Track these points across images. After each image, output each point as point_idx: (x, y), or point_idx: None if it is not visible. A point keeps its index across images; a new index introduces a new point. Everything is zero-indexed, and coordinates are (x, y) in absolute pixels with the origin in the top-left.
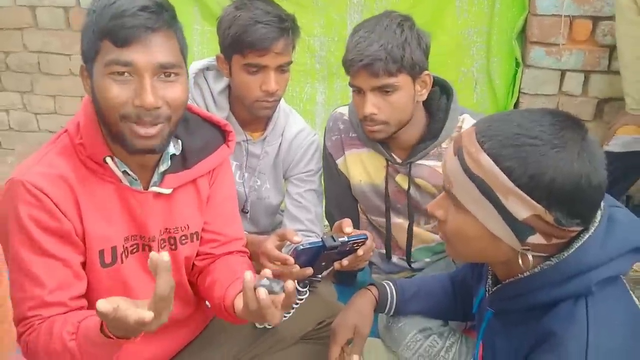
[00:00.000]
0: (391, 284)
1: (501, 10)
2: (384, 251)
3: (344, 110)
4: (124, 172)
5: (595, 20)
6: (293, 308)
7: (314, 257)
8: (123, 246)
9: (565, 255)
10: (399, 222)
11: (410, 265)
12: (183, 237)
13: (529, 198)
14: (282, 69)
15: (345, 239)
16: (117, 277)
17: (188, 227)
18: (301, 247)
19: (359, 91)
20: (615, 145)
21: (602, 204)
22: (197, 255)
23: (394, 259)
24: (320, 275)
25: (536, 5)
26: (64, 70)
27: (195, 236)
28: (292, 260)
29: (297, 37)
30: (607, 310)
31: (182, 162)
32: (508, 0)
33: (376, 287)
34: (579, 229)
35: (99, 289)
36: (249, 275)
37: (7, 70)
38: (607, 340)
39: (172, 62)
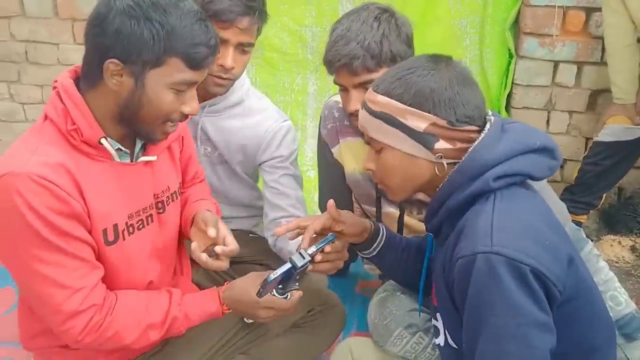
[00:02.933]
0: (384, 228)
1: (494, 1)
2: None
3: (339, 98)
4: (117, 149)
5: (589, 11)
6: None
7: (288, 278)
8: (126, 223)
9: (463, 158)
10: (391, 211)
11: None
12: (167, 198)
13: (420, 111)
14: (242, 48)
15: (314, 248)
16: (120, 255)
17: (169, 189)
18: (272, 277)
19: (343, 88)
20: (605, 135)
21: (491, 113)
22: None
23: None
24: (297, 284)
25: None
26: (52, 60)
27: (175, 195)
28: (208, 261)
29: (263, 22)
30: (512, 202)
31: None
32: None
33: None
34: (473, 128)
35: (103, 267)
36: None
37: None
38: (509, 221)
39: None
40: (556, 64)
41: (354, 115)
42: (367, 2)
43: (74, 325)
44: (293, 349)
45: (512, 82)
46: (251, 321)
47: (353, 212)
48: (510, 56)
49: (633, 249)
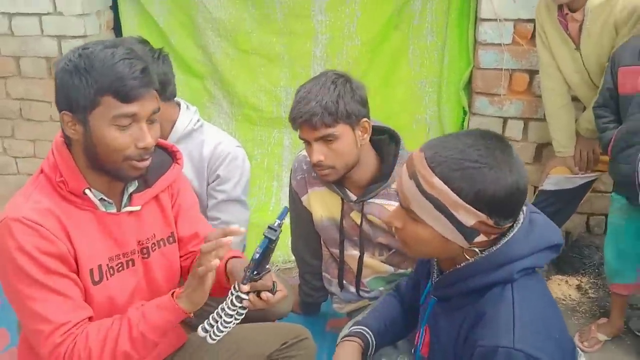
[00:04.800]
0: (366, 330)
1: (450, 64)
2: (347, 282)
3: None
4: (100, 199)
5: (532, 73)
6: (237, 320)
7: (268, 254)
8: (107, 265)
9: (494, 249)
10: (354, 253)
11: (358, 293)
12: (153, 245)
13: (474, 210)
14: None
15: (278, 220)
16: (105, 294)
17: (155, 236)
18: (256, 255)
19: (306, 143)
20: (549, 184)
21: (524, 207)
22: (182, 256)
23: (351, 288)
24: (268, 266)
25: (479, 60)
26: (45, 116)
27: (162, 242)
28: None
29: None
30: (528, 293)
31: (144, 182)
32: (455, 55)
33: (357, 337)
34: (511, 225)
35: (90, 306)
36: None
37: None
38: (529, 314)
39: (157, 108)
40: (505, 120)
41: (316, 165)
42: (327, 70)
43: (57, 354)
44: None
45: None
46: (215, 339)
47: (322, 254)
48: (465, 113)
49: (579, 287)
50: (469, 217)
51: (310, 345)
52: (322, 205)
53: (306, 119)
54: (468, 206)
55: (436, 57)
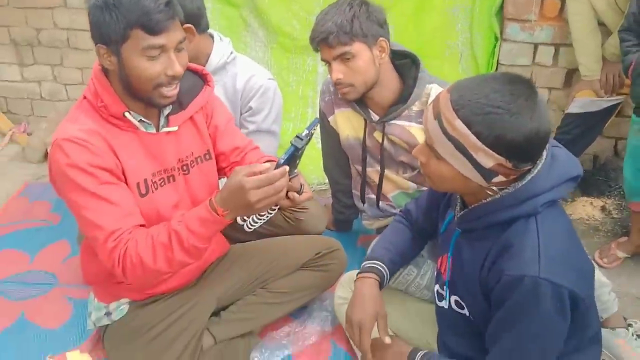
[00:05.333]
0: (380, 264)
1: None
2: (373, 196)
3: None
4: (140, 121)
5: None
6: (269, 215)
7: (293, 160)
8: (151, 180)
9: (519, 184)
10: (374, 169)
11: (378, 206)
12: (192, 162)
13: (493, 153)
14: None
15: (306, 130)
16: (151, 206)
17: (193, 154)
18: (282, 160)
19: (327, 63)
20: (575, 107)
21: (547, 145)
22: (225, 167)
23: (381, 204)
24: (295, 171)
25: None
26: (90, 46)
27: (199, 159)
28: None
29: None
30: (551, 225)
31: (179, 105)
32: None
33: (371, 272)
34: (530, 167)
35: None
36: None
37: (39, 45)
38: (553, 245)
39: (183, 37)
40: (536, 46)
41: (337, 84)
42: None
43: (113, 258)
44: (303, 284)
45: (498, 63)
46: (251, 228)
47: (350, 172)
48: (496, 39)
49: (603, 208)
50: (488, 159)
51: (341, 256)
52: (348, 124)
53: (323, 38)
54: (487, 149)
55: None
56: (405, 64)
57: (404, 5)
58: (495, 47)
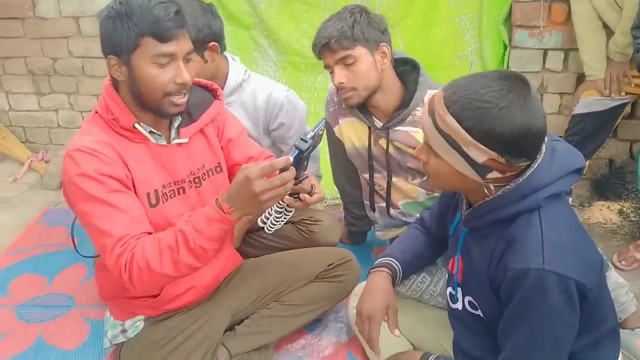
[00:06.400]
0: (393, 260)
1: None
2: (383, 204)
3: None
4: (150, 132)
5: (570, 3)
6: (286, 216)
7: (300, 162)
8: (161, 191)
9: (520, 180)
10: (381, 176)
11: (388, 214)
12: (203, 175)
13: (484, 147)
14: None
15: (311, 132)
16: (161, 216)
17: (204, 166)
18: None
19: (329, 70)
20: (580, 107)
21: (546, 139)
22: None
23: (392, 211)
24: (305, 172)
25: None
26: (106, 72)
27: (211, 172)
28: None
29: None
30: (555, 218)
31: (189, 117)
32: None
33: (384, 267)
34: (526, 163)
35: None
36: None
37: (55, 74)
38: (556, 237)
39: (191, 48)
40: (545, 51)
41: (339, 89)
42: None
43: (120, 264)
44: (316, 296)
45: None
46: (271, 229)
47: (359, 181)
48: (505, 47)
49: (620, 212)
50: (480, 154)
51: (354, 266)
52: (353, 133)
53: (324, 43)
54: (478, 144)
55: None
56: (407, 70)
57: (412, 18)
58: (504, 54)
